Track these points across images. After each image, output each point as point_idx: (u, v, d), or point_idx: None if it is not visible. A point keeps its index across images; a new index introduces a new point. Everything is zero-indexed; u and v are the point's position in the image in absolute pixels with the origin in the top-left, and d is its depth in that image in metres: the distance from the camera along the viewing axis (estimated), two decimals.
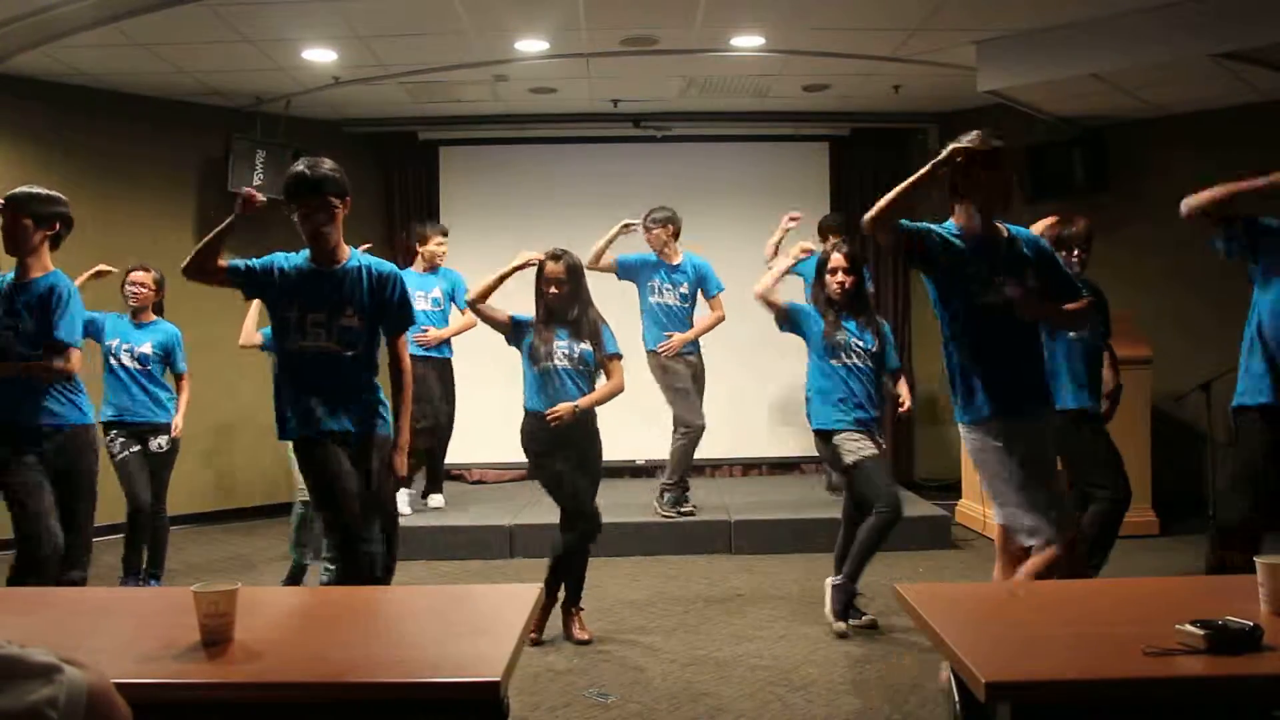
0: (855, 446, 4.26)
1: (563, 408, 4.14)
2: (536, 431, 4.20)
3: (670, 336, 6.01)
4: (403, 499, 6.37)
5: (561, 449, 4.21)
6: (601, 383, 4.34)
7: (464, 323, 6.21)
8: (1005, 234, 3.25)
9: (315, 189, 3.25)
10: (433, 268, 6.33)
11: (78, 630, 2.14)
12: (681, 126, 7.74)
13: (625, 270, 6.12)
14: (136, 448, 5.02)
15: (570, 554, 4.26)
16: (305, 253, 3.38)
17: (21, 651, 1.08)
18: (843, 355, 4.32)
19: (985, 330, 3.17)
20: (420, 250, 6.33)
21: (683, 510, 6.07)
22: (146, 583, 5.08)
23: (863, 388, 4.34)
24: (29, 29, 5.21)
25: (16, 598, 2.59)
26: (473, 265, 7.13)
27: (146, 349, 5.10)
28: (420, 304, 6.32)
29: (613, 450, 6.48)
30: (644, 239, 6.09)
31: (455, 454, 6.95)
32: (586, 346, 4.21)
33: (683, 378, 6.05)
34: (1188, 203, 3.53)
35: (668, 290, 6.08)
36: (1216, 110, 6.47)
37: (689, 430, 6.01)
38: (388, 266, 3.45)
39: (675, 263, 6.10)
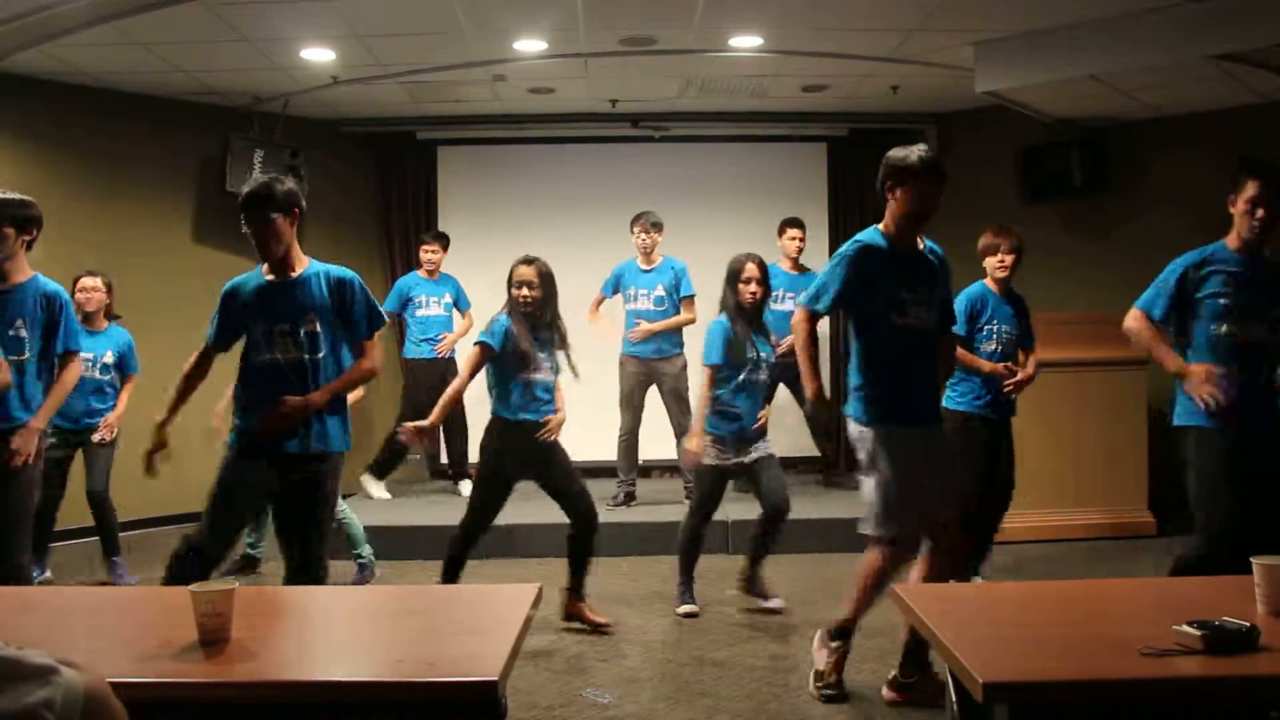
0: (714, 453, 4.53)
1: (556, 421, 4.23)
2: (519, 443, 4.20)
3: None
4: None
5: (532, 464, 4.26)
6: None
7: (465, 325, 6.76)
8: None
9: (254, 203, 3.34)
10: (431, 273, 6.78)
11: (75, 630, 2.14)
12: (679, 127, 7.73)
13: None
14: (60, 453, 4.94)
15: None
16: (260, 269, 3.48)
17: (18, 653, 1.08)
18: (749, 373, 4.44)
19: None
20: (420, 257, 6.85)
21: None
22: (114, 565, 5.16)
23: (753, 403, 4.51)
24: (27, 28, 5.19)
25: (13, 597, 2.59)
26: (470, 264, 7.19)
27: (108, 358, 5.19)
28: (434, 309, 6.74)
29: (605, 451, 6.53)
30: (643, 242, 6.23)
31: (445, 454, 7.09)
32: (557, 354, 4.27)
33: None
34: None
35: (642, 295, 6.27)
36: (1215, 112, 6.47)
37: None
38: (346, 272, 3.50)
39: (653, 266, 6.31)
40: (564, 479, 4.30)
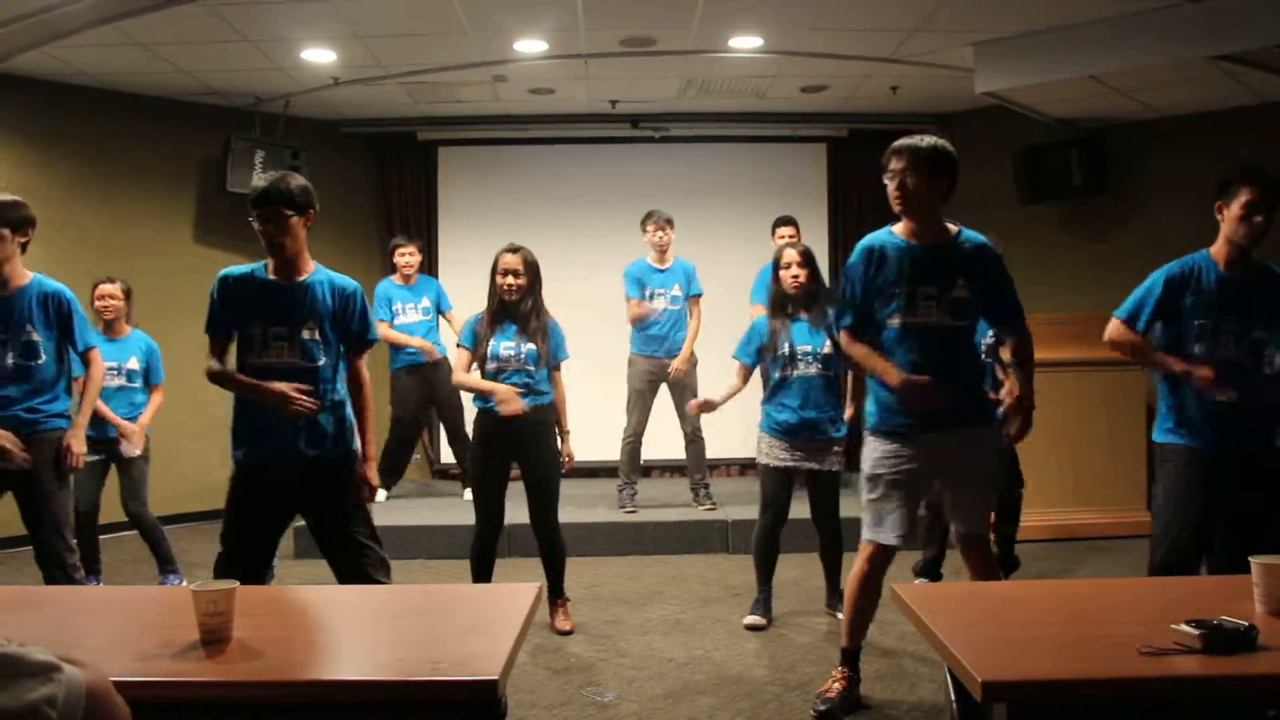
0: (765, 449, 4.37)
1: (515, 404, 4.10)
2: (492, 428, 4.21)
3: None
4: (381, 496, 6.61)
5: (509, 454, 4.26)
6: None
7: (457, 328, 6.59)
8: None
9: (266, 199, 3.19)
10: (407, 279, 6.48)
11: (77, 628, 2.15)
12: (679, 127, 7.74)
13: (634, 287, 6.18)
14: (95, 458, 4.82)
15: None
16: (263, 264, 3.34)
17: (21, 650, 1.09)
18: (798, 365, 4.25)
19: None
20: (395, 262, 6.52)
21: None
22: (166, 579, 5.05)
23: (813, 395, 4.26)
24: (30, 29, 5.20)
25: (16, 596, 2.59)
26: (470, 265, 7.18)
27: (134, 364, 5.04)
28: (412, 315, 6.46)
29: (607, 450, 6.53)
30: (660, 240, 6.14)
31: (450, 454, 7.03)
32: (532, 346, 4.17)
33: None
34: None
35: (659, 295, 6.16)
36: (1214, 112, 6.48)
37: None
38: (350, 282, 3.39)
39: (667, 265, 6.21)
40: (537, 470, 4.28)
